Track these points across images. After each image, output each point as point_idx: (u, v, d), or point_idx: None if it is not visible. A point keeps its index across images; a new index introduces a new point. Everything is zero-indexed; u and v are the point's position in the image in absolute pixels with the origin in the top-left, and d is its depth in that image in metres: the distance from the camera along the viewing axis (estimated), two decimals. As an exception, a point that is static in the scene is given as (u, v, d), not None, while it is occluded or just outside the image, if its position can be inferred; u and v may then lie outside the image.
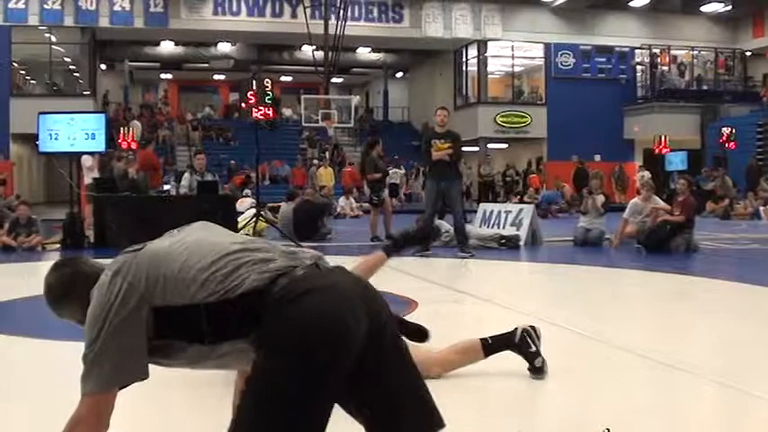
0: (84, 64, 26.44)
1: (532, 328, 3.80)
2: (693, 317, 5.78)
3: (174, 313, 1.86)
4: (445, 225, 11.08)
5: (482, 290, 7.29)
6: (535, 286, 8.38)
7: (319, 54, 25.17)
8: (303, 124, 26.86)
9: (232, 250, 1.92)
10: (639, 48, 28.83)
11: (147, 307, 1.87)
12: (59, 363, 4.23)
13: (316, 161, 26.18)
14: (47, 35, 25.91)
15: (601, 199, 11.66)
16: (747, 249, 11.43)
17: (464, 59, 29.81)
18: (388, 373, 1.91)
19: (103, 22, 25.51)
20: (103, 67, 32.11)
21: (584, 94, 27.82)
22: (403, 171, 25.74)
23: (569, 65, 28.75)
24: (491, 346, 3.76)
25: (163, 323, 1.88)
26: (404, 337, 3.71)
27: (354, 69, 35.98)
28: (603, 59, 28.91)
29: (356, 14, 26.65)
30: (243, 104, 12.65)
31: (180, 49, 32.06)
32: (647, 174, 21.59)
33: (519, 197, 21.72)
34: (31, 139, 19.86)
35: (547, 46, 28.67)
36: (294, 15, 26.35)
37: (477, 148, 27.50)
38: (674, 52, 29.15)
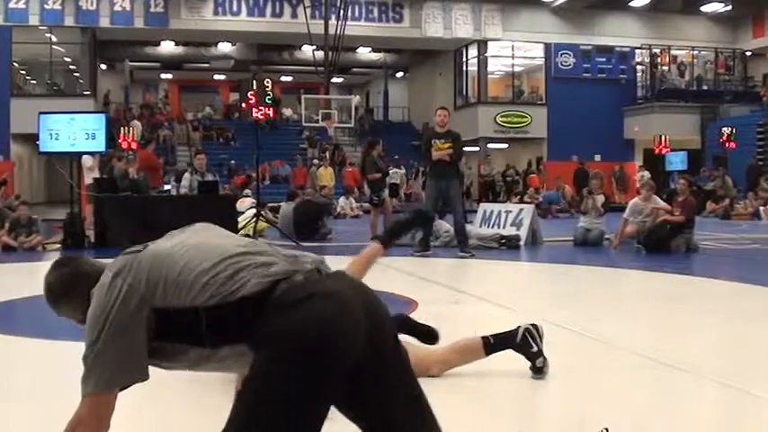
0: (85, 64, 26.44)
1: (534, 327, 3.78)
2: (694, 317, 5.78)
3: (174, 316, 1.86)
4: (445, 225, 11.09)
5: (482, 290, 7.29)
6: (535, 286, 8.38)
7: (319, 54, 25.17)
8: (303, 124, 26.84)
9: (233, 253, 1.92)
10: (640, 48, 28.81)
11: (147, 308, 1.87)
12: (60, 363, 4.23)
13: (316, 161, 26.17)
14: (47, 35, 25.91)
15: (601, 199, 11.66)
16: (747, 249, 11.43)
17: (464, 59, 29.80)
18: (387, 379, 1.91)
19: (104, 22, 25.51)
20: (104, 67, 32.14)
21: (585, 94, 27.82)
22: (403, 171, 25.73)
23: (569, 65, 28.75)
24: (492, 345, 3.75)
25: (163, 325, 1.88)
26: (414, 338, 3.74)
27: (354, 69, 35.99)
28: (604, 59, 28.90)
29: (356, 14, 26.65)
30: (243, 104, 12.66)
31: (180, 49, 32.07)
32: (647, 174, 21.59)
33: (519, 197, 21.71)
34: (31, 139, 19.85)
35: (547, 46, 28.66)
36: (294, 15, 26.35)
37: (477, 148, 27.51)
38: (674, 52, 29.13)
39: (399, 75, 37.84)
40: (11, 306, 6.43)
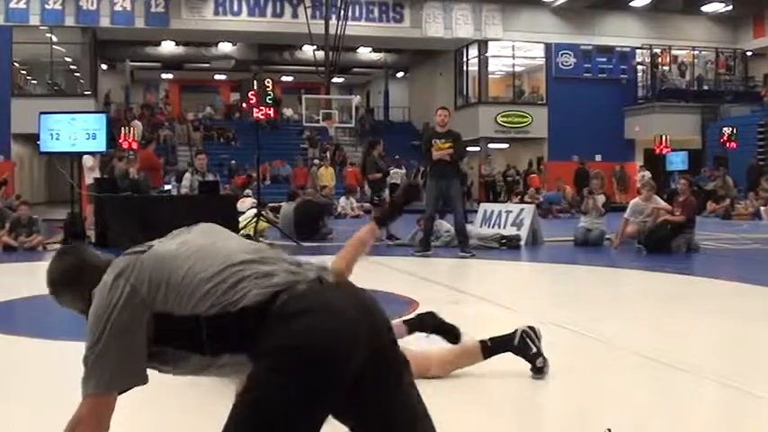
0: (85, 64, 26.45)
1: (531, 328, 3.78)
2: (694, 317, 5.77)
3: (174, 322, 1.86)
4: (446, 225, 11.09)
5: (483, 290, 7.29)
6: (536, 286, 8.38)
7: (320, 54, 25.16)
8: (304, 124, 26.85)
9: (236, 261, 1.91)
10: (640, 48, 28.81)
11: (148, 313, 1.87)
12: (59, 363, 4.23)
13: (316, 161, 26.17)
14: (48, 35, 25.92)
15: (601, 199, 11.65)
16: (748, 249, 11.43)
17: (465, 59, 29.80)
18: (386, 380, 1.91)
19: (104, 21, 25.52)
20: (104, 66, 32.15)
21: (585, 94, 27.81)
22: (404, 171, 25.72)
23: (570, 65, 28.74)
24: (490, 348, 3.74)
25: (163, 331, 1.88)
26: (439, 335, 3.76)
27: (355, 69, 36.00)
28: (604, 59, 28.89)
29: (357, 14, 26.65)
30: (244, 104, 12.67)
31: (181, 49, 32.07)
32: (647, 174, 21.57)
33: (520, 197, 21.71)
34: (32, 139, 19.85)
35: (547, 46, 28.66)
36: (295, 15, 26.35)
37: (477, 148, 27.51)
38: (674, 52, 29.13)
39: (400, 75, 37.85)
40: (11, 306, 6.43)
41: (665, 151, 23.27)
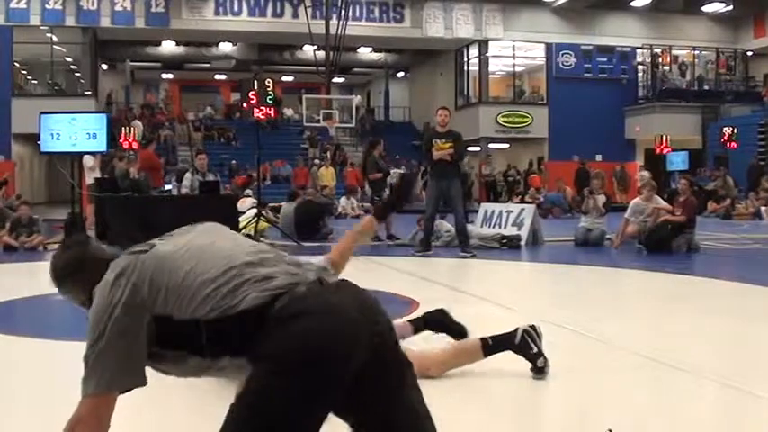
0: (86, 64, 26.45)
1: (533, 327, 3.77)
2: (695, 317, 5.77)
3: (174, 325, 1.86)
4: (446, 225, 11.09)
5: (483, 290, 7.29)
6: (536, 286, 8.38)
7: (320, 54, 25.17)
8: (304, 124, 26.86)
9: (237, 263, 1.90)
10: (641, 48, 28.81)
11: (148, 315, 1.87)
12: (59, 363, 4.23)
13: (317, 161, 26.17)
14: (48, 35, 25.92)
15: (602, 199, 11.65)
16: (748, 249, 11.43)
17: (465, 59, 29.80)
18: (387, 380, 1.91)
19: (105, 21, 25.52)
20: (105, 66, 32.16)
21: (586, 94, 27.81)
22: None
23: (570, 65, 28.74)
24: (491, 346, 3.74)
25: (163, 333, 1.88)
26: (447, 334, 3.78)
27: (355, 69, 36.00)
28: (605, 59, 28.88)
29: (357, 14, 26.65)
30: (244, 104, 12.67)
31: (181, 49, 32.08)
32: (646, 173, 21.57)
33: (520, 197, 21.71)
34: (32, 139, 19.86)
35: (548, 46, 28.65)
36: (295, 15, 26.35)
37: (478, 148, 27.51)
38: (675, 52, 29.12)
39: (400, 75, 37.85)
40: (11, 306, 6.43)
41: (665, 151, 23.26)
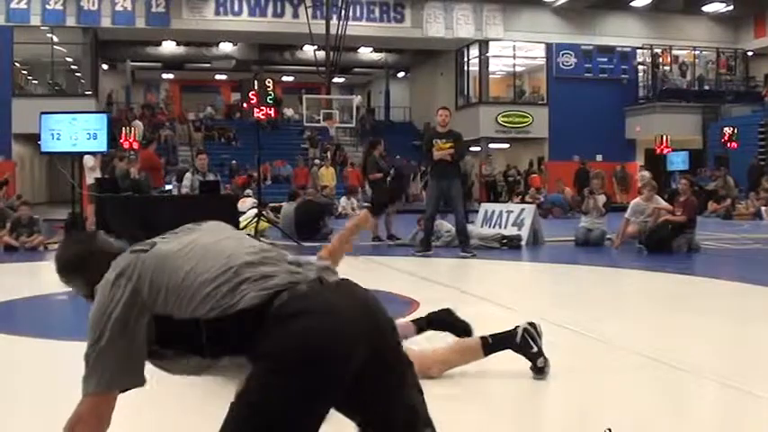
0: (86, 64, 26.46)
1: (533, 325, 3.77)
2: (695, 317, 5.77)
3: (174, 325, 1.86)
4: (446, 225, 11.09)
5: (484, 290, 7.29)
6: (537, 286, 8.38)
7: (321, 54, 25.17)
8: (305, 124, 26.84)
9: (238, 263, 1.90)
10: (641, 48, 28.80)
11: (148, 315, 1.87)
12: (60, 362, 4.24)
13: (317, 161, 26.16)
14: (49, 35, 25.93)
15: (602, 199, 11.65)
16: (749, 249, 11.42)
17: (465, 59, 29.80)
18: (388, 380, 1.91)
19: (105, 22, 25.53)
20: (105, 67, 32.15)
21: (586, 94, 27.81)
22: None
23: (571, 65, 28.74)
24: (491, 345, 3.74)
25: (163, 333, 1.88)
26: (450, 332, 3.78)
27: (356, 69, 36.00)
28: (605, 59, 28.87)
29: (358, 14, 26.65)
30: (245, 104, 12.67)
31: (181, 49, 32.08)
32: (647, 174, 21.58)
33: (521, 197, 21.71)
34: (33, 139, 19.87)
35: (548, 46, 28.65)
36: (296, 15, 26.35)
37: (478, 148, 27.51)
38: (675, 52, 29.11)
39: (401, 75, 37.85)
40: (11, 306, 6.42)
41: (665, 151, 23.25)
